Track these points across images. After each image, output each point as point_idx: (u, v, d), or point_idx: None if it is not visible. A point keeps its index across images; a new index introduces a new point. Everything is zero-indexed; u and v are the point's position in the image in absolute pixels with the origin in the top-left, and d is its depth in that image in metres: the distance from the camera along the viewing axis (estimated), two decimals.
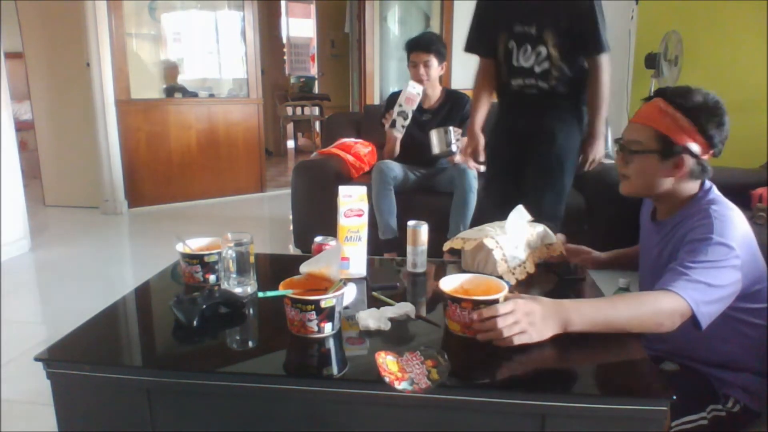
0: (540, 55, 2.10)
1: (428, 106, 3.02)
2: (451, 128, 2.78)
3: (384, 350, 0.99)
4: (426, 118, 3.00)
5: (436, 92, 3.02)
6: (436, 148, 2.76)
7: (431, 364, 0.96)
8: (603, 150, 2.25)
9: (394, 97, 3.02)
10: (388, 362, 0.96)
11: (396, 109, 2.85)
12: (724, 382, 1.27)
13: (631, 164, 1.29)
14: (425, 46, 2.89)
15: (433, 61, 2.89)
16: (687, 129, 1.20)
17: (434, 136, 2.75)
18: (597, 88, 2.14)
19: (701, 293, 1.10)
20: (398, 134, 2.89)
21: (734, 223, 1.19)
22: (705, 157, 1.23)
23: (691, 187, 1.27)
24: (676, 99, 1.22)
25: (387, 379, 0.91)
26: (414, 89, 2.82)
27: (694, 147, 1.20)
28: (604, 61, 2.13)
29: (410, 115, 2.86)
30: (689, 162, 1.22)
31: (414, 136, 2.96)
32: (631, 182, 1.31)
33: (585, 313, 1.06)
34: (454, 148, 2.74)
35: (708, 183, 1.28)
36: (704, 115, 1.20)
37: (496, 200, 2.27)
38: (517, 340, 1.01)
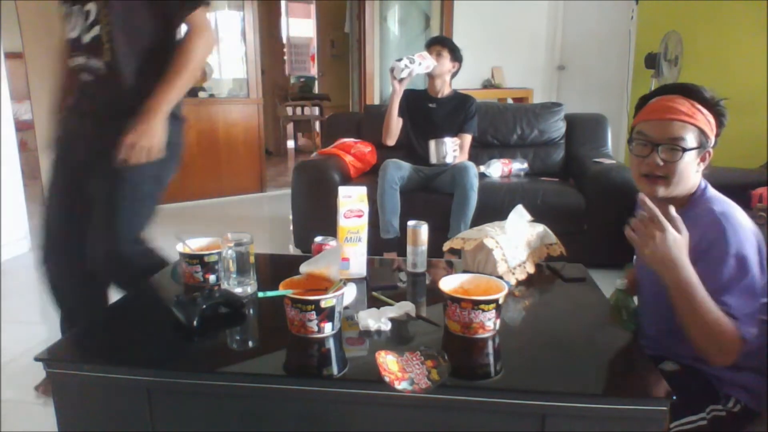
0: (87, 16, 1.50)
1: (435, 96, 3.12)
2: (447, 140, 2.94)
3: (384, 350, 0.99)
4: (432, 106, 3.10)
5: (445, 86, 3.12)
6: (433, 157, 2.97)
7: (431, 364, 0.96)
8: (157, 138, 1.49)
9: (404, 95, 3.11)
10: (388, 362, 0.96)
11: (405, 58, 2.90)
12: (726, 381, 1.27)
13: (673, 163, 1.24)
14: (441, 40, 3.12)
15: (445, 53, 3.03)
16: (712, 124, 1.25)
17: (432, 146, 2.95)
18: (184, 51, 1.50)
19: (754, 324, 1.16)
20: (401, 75, 2.90)
21: (741, 223, 1.21)
22: (712, 148, 1.27)
23: (694, 182, 1.28)
24: (698, 95, 1.25)
25: (387, 379, 0.91)
26: (426, 57, 2.94)
27: (713, 140, 1.26)
28: (202, 21, 1.51)
29: (416, 69, 2.89)
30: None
31: (418, 123, 3.08)
32: (672, 182, 1.25)
33: (687, 282, 1.13)
34: (449, 159, 2.94)
35: (703, 181, 1.29)
36: (720, 110, 1.25)
37: (54, 214, 1.67)
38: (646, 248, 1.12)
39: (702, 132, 1.23)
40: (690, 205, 1.27)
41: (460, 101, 3.13)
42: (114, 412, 1.04)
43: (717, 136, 1.26)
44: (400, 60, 2.88)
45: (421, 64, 2.89)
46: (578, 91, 5.31)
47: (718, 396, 1.25)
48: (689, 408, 1.22)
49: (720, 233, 1.17)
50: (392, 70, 2.91)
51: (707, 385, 1.27)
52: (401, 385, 0.91)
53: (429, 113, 3.09)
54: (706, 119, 1.24)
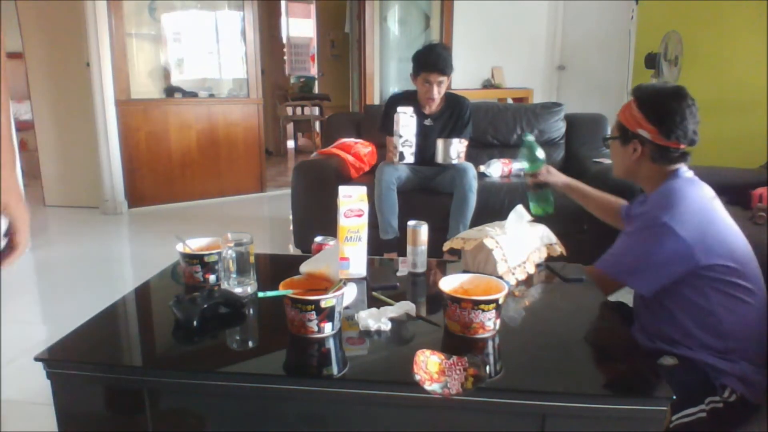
0: None
1: (430, 112, 3.00)
2: (455, 140, 2.83)
3: (429, 349, 0.99)
4: (428, 123, 2.99)
5: (438, 99, 2.98)
6: (439, 157, 2.85)
7: (472, 372, 0.95)
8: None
9: (395, 99, 3.04)
10: (429, 362, 0.95)
11: (398, 141, 2.79)
12: (721, 371, 1.29)
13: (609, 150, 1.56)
14: (442, 68, 2.82)
15: (446, 81, 2.87)
16: (637, 118, 1.41)
17: (440, 145, 2.84)
18: None
19: (612, 261, 1.41)
20: (412, 160, 2.83)
21: (686, 200, 1.33)
22: (662, 142, 1.38)
23: (668, 170, 1.42)
24: (635, 93, 1.44)
25: (417, 377, 0.91)
26: (406, 114, 2.77)
27: (644, 133, 1.40)
28: None
29: (414, 140, 2.80)
30: (645, 146, 1.41)
31: (416, 142, 2.92)
32: (613, 166, 1.56)
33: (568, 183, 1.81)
34: (455, 161, 2.83)
35: (684, 168, 1.42)
36: (651, 106, 1.40)
37: None
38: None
39: (622, 125, 1.45)
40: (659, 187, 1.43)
41: (454, 107, 3.00)
42: (114, 412, 1.04)
43: (655, 128, 1.38)
44: (402, 159, 2.77)
45: (413, 130, 2.77)
46: (578, 91, 5.30)
47: (715, 387, 1.27)
48: (688, 400, 1.24)
49: (650, 200, 1.41)
50: (399, 158, 2.80)
51: (704, 377, 1.29)
52: (431, 387, 0.90)
53: (426, 131, 2.96)
54: (630, 114, 1.43)
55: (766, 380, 1.31)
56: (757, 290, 1.33)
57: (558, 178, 1.82)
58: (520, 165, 1.85)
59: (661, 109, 1.38)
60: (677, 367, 1.29)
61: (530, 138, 1.83)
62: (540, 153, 1.80)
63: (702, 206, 1.34)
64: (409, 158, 2.82)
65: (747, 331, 1.31)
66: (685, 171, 1.42)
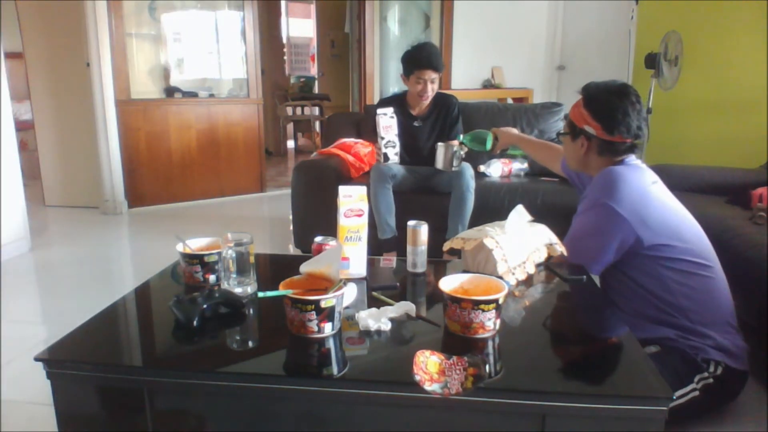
0: None
1: (418, 113, 2.99)
2: (456, 148, 2.70)
3: (429, 350, 0.98)
4: (417, 124, 2.99)
5: (431, 96, 2.97)
6: (440, 163, 2.70)
7: (473, 372, 0.94)
8: None
9: (378, 103, 3.03)
10: (429, 362, 0.95)
11: (381, 142, 2.79)
12: (697, 347, 1.31)
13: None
14: (436, 65, 2.82)
15: (438, 78, 2.86)
16: (584, 115, 1.52)
17: (440, 151, 2.67)
18: None
19: (576, 246, 1.49)
20: (396, 160, 2.85)
21: (624, 182, 1.41)
22: (607, 137, 1.48)
23: (615, 161, 1.51)
24: (582, 91, 1.55)
25: (417, 378, 0.91)
26: (386, 115, 2.78)
27: (590, 129, 1.51)
28: None
29: (397, 141, 2.81)
30: (591, 141, 1.52)
31: (406, 144, 2.93)
32: (565, 158, 1.70)
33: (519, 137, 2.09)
34: (456, 168, 2.70)
35: (631, 158, 1.51)
36: (595, 104, 1.50)
37: None
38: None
39: (572, 122, 1.56)
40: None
41: (442, 107, 2.98)
42: (114, 412, 1.04)
43: (599, 125, 1.47)
44: (387, 160, 2.78)
45: (395, 131, 2.77)
46: (578, 91, 5.30)
47: (699, 364, 1.29)
48: (678, 382, 1.26)
49: (594, 184, 1.49)
50: (384, 159, 2.81)
51: (687, 357, 1.30)
52: (432, 387, 0.90)
53: (415, 133, 2.96)
54: (578, 112, 1.54)
55: (742, 345, 1.34)
56: (713, 264, 1.41)
57: (510, 138, 2.10)
58: (474, 147, 2.25)
59: (604, 106, 1.47)
60: (660, 353, 1.31)
61: (460, 137, 2.25)
62: (483, 133, 2.15)
63: (640, 189, 1.42)
64: (394, 158, 2.82)
65: (708, 301, 1.35)
66: (632, 160, 1.50)
